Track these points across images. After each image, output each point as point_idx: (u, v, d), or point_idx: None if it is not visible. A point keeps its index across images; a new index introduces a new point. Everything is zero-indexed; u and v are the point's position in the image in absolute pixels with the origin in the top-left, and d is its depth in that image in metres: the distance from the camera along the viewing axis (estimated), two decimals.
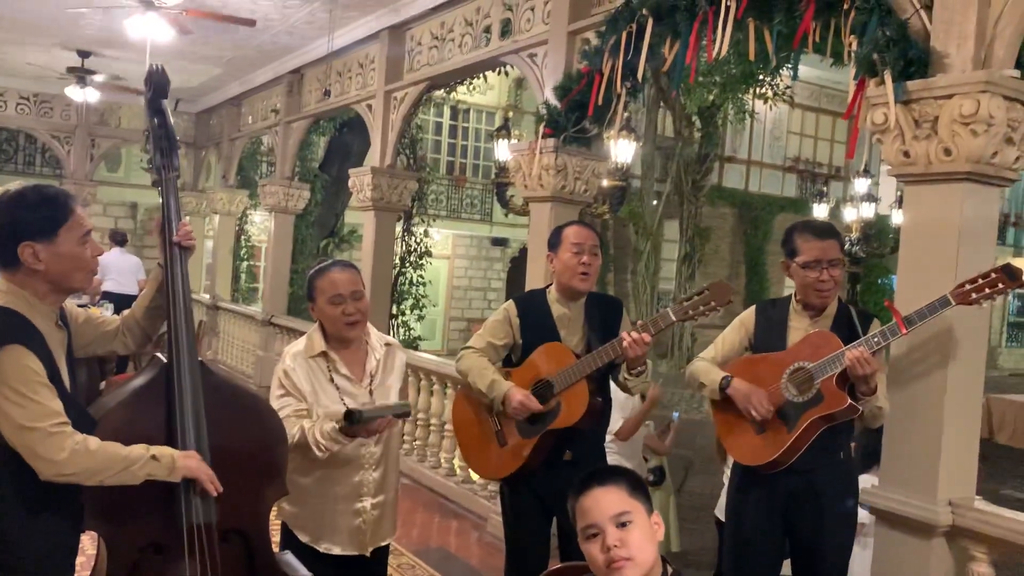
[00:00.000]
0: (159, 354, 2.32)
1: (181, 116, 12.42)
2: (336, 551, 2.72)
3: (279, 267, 9.75)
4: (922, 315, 2.61)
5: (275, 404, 2.64)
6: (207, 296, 11.73)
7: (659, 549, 1.81)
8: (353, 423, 2.49)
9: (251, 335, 10.21)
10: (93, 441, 1.98)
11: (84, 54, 9.07)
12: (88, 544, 2.20)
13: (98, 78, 9.25)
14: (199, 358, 2.26)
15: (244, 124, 10.92)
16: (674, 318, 2.80)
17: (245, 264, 13.49)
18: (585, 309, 3.10)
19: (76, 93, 9.54)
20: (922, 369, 2.90)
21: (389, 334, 3.06)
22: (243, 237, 13.20)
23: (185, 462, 2.08)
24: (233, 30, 7.32)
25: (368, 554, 2.76)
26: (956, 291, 2.58)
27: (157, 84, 2.40)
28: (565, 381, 2.92)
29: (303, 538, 2.72)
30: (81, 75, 9.30)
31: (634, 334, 2.79)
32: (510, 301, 3.22)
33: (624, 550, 1.72)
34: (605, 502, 1.77)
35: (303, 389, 2.67)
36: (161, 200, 2.37)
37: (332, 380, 2.69)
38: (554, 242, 3.12)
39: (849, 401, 2.69)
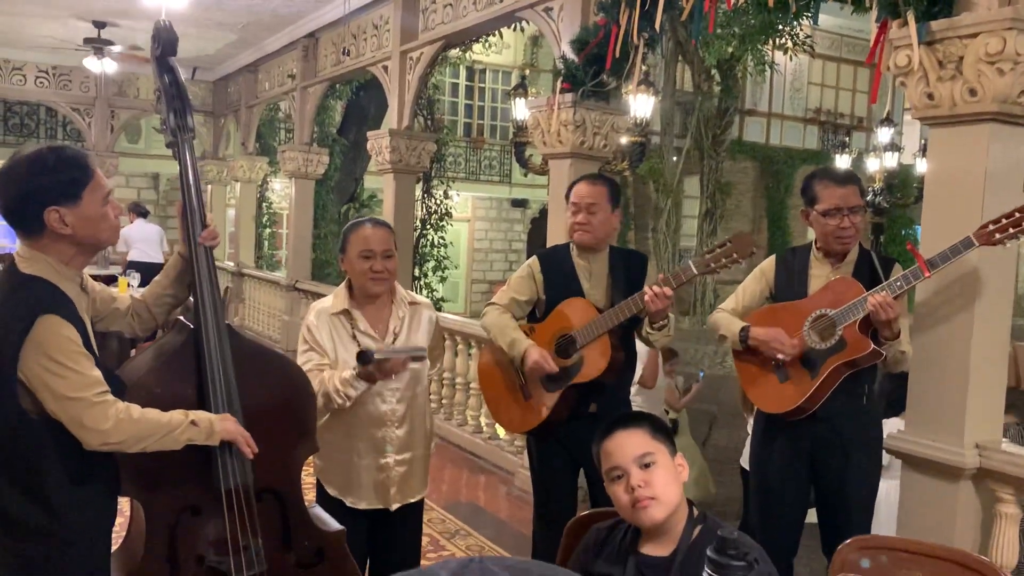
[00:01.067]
0: (183, 318, 2.35)
1: (198, 84, 12.42)
2: (362, 505, 2.77)
3: (301, 233, 9.79)
4: (945, 257, 2.58)
5: (300, 359, 2.70)
6: (231, 264, 11.84)
7: (702, 492, 1.85)
8: (364, 363, 2.53)
9: (276, 300, 10.31)
10: (135, 409, 1.99)
11: (100, 24, 9.06)
12: (123, 504, 2.24)
13: (114, 48, 9.23)
14: (226, 322, 2.27)
15: (261, 91, 10.91)
16: (696, 271, 2.79)
17: (268, 231, 13.56)
18: (609, 263, 3.10)
19: (94, 64, 9.54)
20: (947, 312, 2.88)
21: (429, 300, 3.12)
22: (264, 204, 13.24)
23: (223, 425, 2.10)
24: None
25: (393, 509, 2.80)
26: (979, 232, 2.55)
27: (165, 41, 2.32)
28: (588, 336, 2.93)
29: (331, 491, 2.79)
30: (98, 46, 9.30)
31: (655, 288, 2.78)
32: (533, 257, 3.23)
33: (648, 490, 1.76)
34: (628, 445, 1.81)
35: (324, 345, 2.71)
36: (178, 164, 2.32)
37: (354, 337, 2.72)
38: (567, 197, 3.15)
39: (873, 346, 2.68)
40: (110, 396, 1.96)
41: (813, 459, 2.86)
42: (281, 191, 14.08)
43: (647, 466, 1.79)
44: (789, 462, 2.89)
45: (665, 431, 1.88)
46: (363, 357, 2.53)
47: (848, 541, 2.05)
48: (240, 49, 10.53)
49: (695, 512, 1.83)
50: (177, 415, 2.05)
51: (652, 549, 1.81)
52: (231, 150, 12.89)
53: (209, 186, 13.05)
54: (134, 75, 11.82)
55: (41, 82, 11.72)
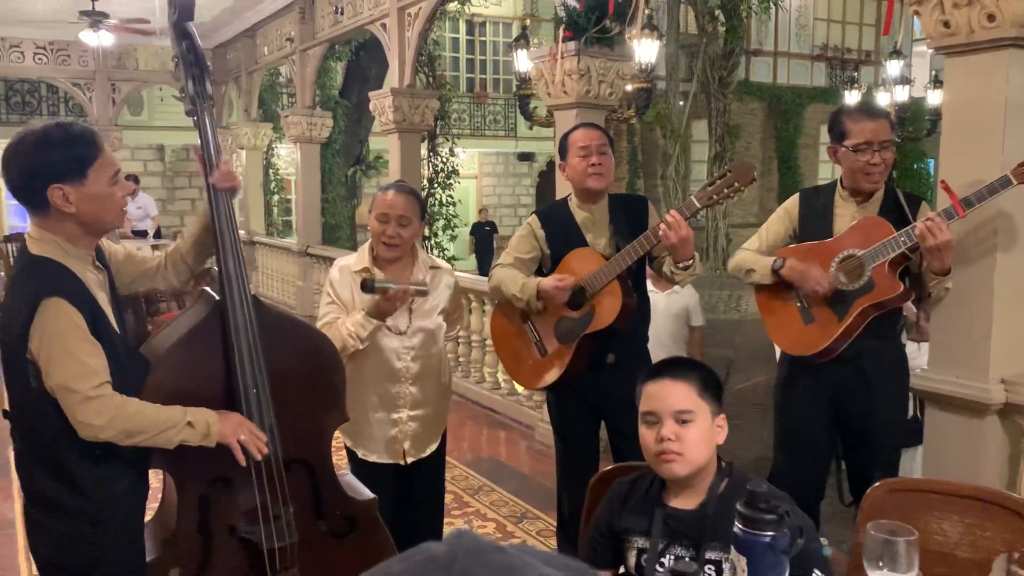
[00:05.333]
0: (208, 288, 2.32)
1: None
2: (372, 458, 2.83)
3: (309, 198, 9.75)
4: (981, 196, 2.49)
5: (322, 310, 2.77)
6: (242, 232, 11.82)
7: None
8: (367, 291, 2.58)
9: (289, 267, 10.31)
10: (133, 404, 1.95)
11: None
12: (153, 479, 2.25)
13: (109, 20, 9.10)
14: (251, 292, 2.23)
15: (260, 56, 10.77)
16: (699, 204, 2.71)
17: (276, 197, 13.52)
18: (609, 210, 3.06)
19: (90, 37, 9.44)
20: (970, 247, 2.82)
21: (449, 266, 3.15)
22: (271, 171, 13.19)
23: (221, 428, 2.04)
24: None
25: (405, 463, 2.84)
26: (1017, 169, 2.45)
27: (182, 5, 2.25)
28: (597, 283, 2.90)
29: (347, 442, 2.85)
30: (93, 18, 9.18)
31: (668, 218, 2.69)
32: (532, 215, 3.20)
33: (677, 445, 1.72)
34: (672, 395, 1.76)
35: (345, 301, 2.76)
36: (198, 132, 2.25)
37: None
38: (562, 149, 3.08)
39: (902, 287, 2.63)
40: (108, 389, 1.92)
41: (837, 400, 2.82)
42: (287, 156, 14.00)
43: (684, 422, 1.74)
44: (813, 403, 2.85)
45: (715, 388, 1.81)
46: (366, 286, 2.58)
47: (877, 484, 2.02)
48: (236, 14, 10.38)
49: (723, 464, 1.81)
50: (176, 414, 2.00)
51: (678, 502, 1.79)
52: (235, 118, 12.79)
53: (231, 155, 12.99)
54: (132, 47, 11.69)
55: (40, 58, 11.61)
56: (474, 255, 16.80)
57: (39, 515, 2.03)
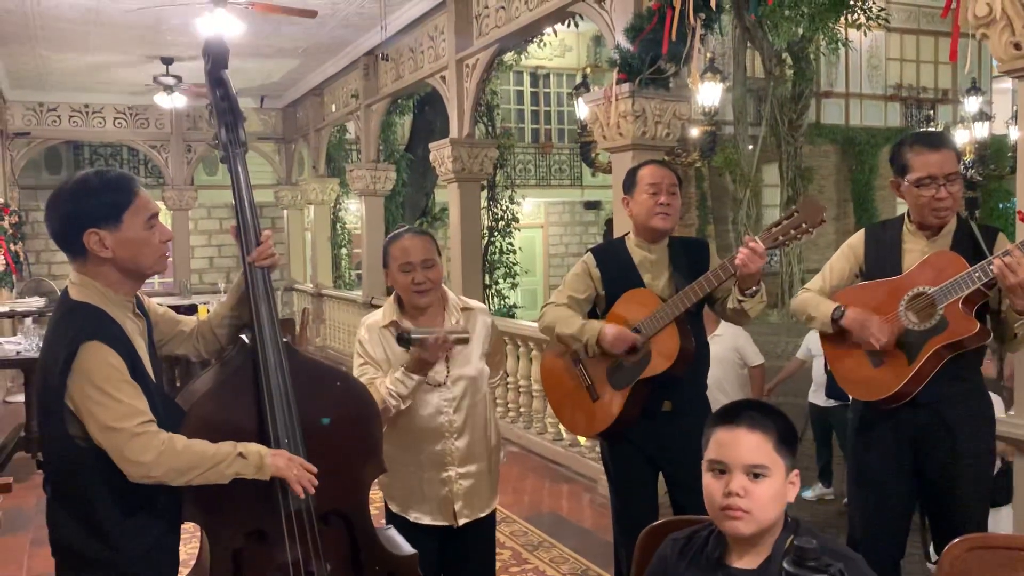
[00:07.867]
0: (243, 336, 2.28)
1: (268, 112, 12.69)
2: (426, 520, 2.67)
3: (374, 250, 9.83)
4: None
5: (355, 372, 2.64)
6: (311, 285, 12.02)
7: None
8: (405, 344, 2.49)
9: (355, 319, 10.39)
10: (180, 440, 1.93)
11: (167, 61, 9.32)
12: (192, 532, 2.19)
13: (168, 80, 9.44)
14: (285, 339, 2.18)
15: (328, 113, 11.05)
16: (763, 246, 2.56)
17: (344, 251, 13.76)
18: (669, 251, 2.94)
19: (164, 100, 9.83)
20: None
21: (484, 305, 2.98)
22: (339, 224, 13.45)
23: (274, 460, 2.01)
24: (304, 19, 7.35)
25: (458, 525, 2.68)
26: None
27: (215, 54, 2.27)
28: (653, 326, 2.77)
29: (393, 508, 2.69)
30: (166, 83, 9.56)
31: (744, 249, 2.55)
32: (588, 253, 3.08)
33: (746, 501, 1.56)
34: (745, 446, 1.59)
35: (377, 358, 2.64)
36: (231, 179, 2.26)
37: (408, 350, 2.62)
38: (629, 184, 2.96)
39: (979, 326, 2.41)
40: (153, 427, 1.91)
41: (916, 449, 2.60)
42: (356, 211, 14.25)
43: (756, 476, 1.58)
44: (889, 453, 2.63)
45: (792, 441, 1.64)
46: (402, 339, 2.49)
47: (956, 540, 1.82)
48: (303, 73, 10.69)
49: (789, 519, 1.64)
50: (225, 447, 1.98)
51: (740, 561, 1.63)
52: (304, 175, 13.11)
53: (285, 211, 13.32)
54: (206, 109, 12.14)
55: (120, 122, 12.14)
56: None
57: (64, 570, 1.99)
